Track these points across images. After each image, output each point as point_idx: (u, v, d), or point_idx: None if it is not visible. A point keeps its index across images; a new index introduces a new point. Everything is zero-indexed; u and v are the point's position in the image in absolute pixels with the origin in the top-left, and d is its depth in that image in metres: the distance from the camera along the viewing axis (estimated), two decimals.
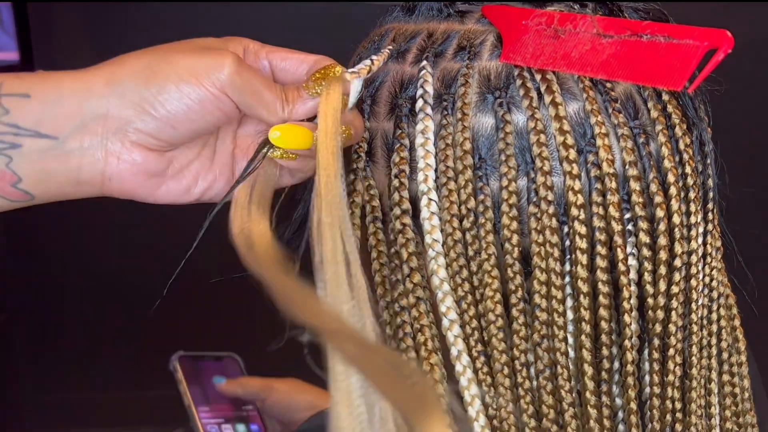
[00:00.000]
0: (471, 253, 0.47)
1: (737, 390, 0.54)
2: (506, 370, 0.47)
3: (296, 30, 1.86)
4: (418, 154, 0.49)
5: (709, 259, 0.51)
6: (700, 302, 0.50)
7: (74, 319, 2.00)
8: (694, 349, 0.50)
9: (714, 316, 0.52)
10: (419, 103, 0.49)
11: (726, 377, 0.53)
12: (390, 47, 0.52)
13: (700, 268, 0.50)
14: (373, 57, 0.51)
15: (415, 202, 0.49)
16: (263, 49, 0.51)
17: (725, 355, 0.53)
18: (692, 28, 0.42)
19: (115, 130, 0.46)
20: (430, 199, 0.48)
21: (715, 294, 0.52)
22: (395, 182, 0.49)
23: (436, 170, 0.48)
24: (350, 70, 0.49)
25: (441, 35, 0.51)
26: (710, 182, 0.51)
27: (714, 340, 0.52)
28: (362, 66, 0.50)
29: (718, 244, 0.53)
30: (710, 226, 0.51)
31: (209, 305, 1.48)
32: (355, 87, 0.49)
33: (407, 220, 0.49)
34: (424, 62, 0.50)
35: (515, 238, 0.47)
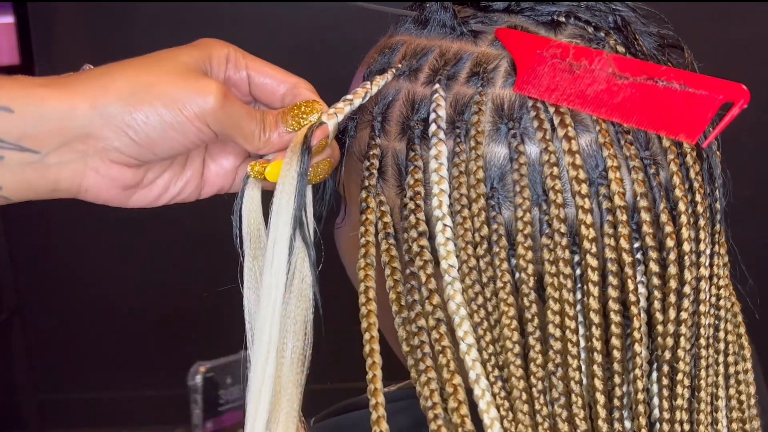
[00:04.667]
0: (485, 279, 0.48)
1: (743, 397, 0.55)
2: (524, 396, 0.47)
3: (295, 30, 1.83)
4: (432, 179, 0.49)
5: (715, 279, 0.51)
6: (707, 323, 0.50)
7: (74, 319, 2.01)
8: (702, 372, 0.50)
9: (721, 334, 0.52)
10: (432, 127, 0.49)
11: (732, 390, 0.54)
12: (393, 69, 0.53)
13: (707, 290, 0.50)
14: (351, 96, 0.52)
15: (428, 223, 0.49)
16: (244, 59, 0.52)
17: (732, 369, 0.54)
18: (708, 78, 0.42)
19: (96, 148, 0.48)
20: (445, 225, 0.48)
21: (722, 312, 0.52)
22: (411, 204, 0.50)
23: (449, 196, 0.49)
24: (329, 110, 0.51)
25: (453, 56, 0.51)
26: (717, 205, 0.52)
27: (721, 358, 0.52)
28: (340, 105, 0.51)
29: (725, 260, 0.53)
30: (717, 247, 0.52)
31: (210, 305, 1.48)
32: (333, 124, 0.51)
33: (424, 242, 0.49)
34: (437, 85, 0.50)
35: (531, 268, 0.47)
